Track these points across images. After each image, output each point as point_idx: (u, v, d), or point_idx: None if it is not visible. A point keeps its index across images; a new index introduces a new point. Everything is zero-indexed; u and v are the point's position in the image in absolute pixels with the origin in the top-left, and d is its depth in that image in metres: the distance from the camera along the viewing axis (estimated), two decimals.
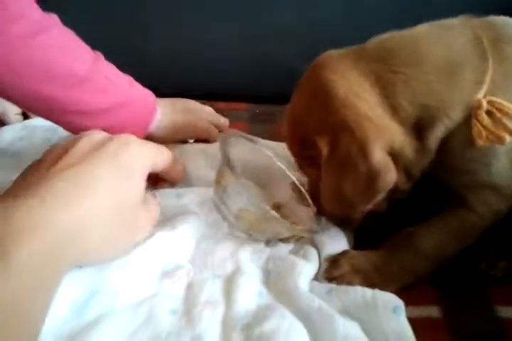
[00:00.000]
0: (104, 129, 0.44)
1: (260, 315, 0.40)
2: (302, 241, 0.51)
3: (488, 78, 0.42)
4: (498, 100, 0.41)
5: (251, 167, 0.56)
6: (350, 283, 0.44)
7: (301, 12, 0.82)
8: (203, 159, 0.58)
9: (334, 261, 0.46)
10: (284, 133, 0.51)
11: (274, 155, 0.56)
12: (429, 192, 0.49)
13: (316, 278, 0.47)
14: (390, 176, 0.42)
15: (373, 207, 0.46)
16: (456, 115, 0.42)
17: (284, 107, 0.82)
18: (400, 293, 0.42)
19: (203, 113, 0.70)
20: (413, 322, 0.40)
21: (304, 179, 0.55)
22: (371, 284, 0.43)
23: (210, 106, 0.83)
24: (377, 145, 0.41)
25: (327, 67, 0.45)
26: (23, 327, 0.28)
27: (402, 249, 0.46)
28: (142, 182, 0.40)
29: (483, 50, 0.43)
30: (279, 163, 0.55)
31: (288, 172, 0.55)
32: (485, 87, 0.42)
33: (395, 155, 0.43)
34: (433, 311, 0.44)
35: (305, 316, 0.41)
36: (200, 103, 0.75)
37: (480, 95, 0.42)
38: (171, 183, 0.53)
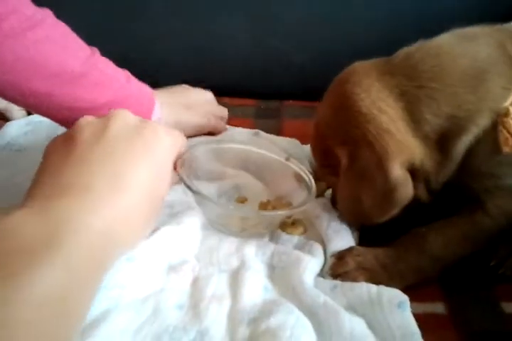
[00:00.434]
0: None
1: (266, 310, 0.41)
2: (307, 236, 0.51)
3: None
4: None
5: (251, 162, 0.56)
6: (354, 280, 0.45)
7: (310, 8, 0.82)
8: (211, 152, 0.57)
9: (340, 257, 0.47)
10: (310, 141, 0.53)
11: (273, 148, 0.57)
12: (442, 194, 0.48)
13: (320, 273, 0.47)
14: (407, 192, 0.43)
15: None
16: (484, 122, 0.43)
17: (291, 103, 0.83)
18: (404, 289, 0.42)
19: (205, 107, 0.67)
20: (418, 318, 0.40)
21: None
22: (376, 282, 0.43)
23: (217, 101, 0.83)
24: (396, 161, 0.42)
25: (352, 81, 0.46)
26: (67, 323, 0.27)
27: (412, 249, 0.46)
28: (171, 170, 0.40)
29: (509, 58, 0.43)
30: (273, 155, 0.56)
31: (287, 162, 0.55)
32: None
33: (415, 171, 0.43)
34: (438, 307, 0.44)
35: (311, 311, 0.41)
36: None
37: (507, 102, 0.42)
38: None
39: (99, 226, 0.30)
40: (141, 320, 0.40)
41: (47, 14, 0.51)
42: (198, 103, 0.67)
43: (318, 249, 0.48)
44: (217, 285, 0.44)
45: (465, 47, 0.45)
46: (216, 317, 0.41)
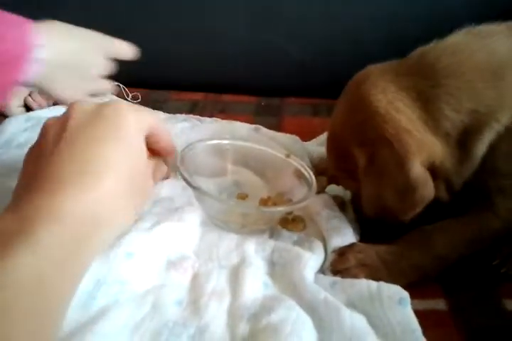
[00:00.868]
0: None
1: (267, 306, 0.40)
2: (307, 232, 0.51)
3: None
4: None
5: (252, 158, 0.56)
6: (355, 277, 0.44)
7: (311, 4, 0.82)
8: (211, 149, 0.57)
9: (341, 253, 0.46)
10: (327, 152, 0.53)
11: (273, 145, 0.57)
12: (461, 194, 0.48)
13: (321, 270, 0.47)
14: (428, 191, 0.43)
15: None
16: (505, 118, 0.43)
17: (291, 100, 0.83)
18: (405, 286, 0.42)
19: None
20: (419, 314, 0.40)
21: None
22: (376, 279, 0.43)
23: (216, 98, 0.83)
24: (417, 160, 0.42)
25: (367, 82, 0.46)
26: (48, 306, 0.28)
27: (416, 247, 0.46)
28: (143, 146, 0.39)
29: None
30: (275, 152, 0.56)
31: (287, 159, 0.55)
32: None
33: (435, 170, 0.43)
34: (439, 304, 0.44)
35: (311, 308, 0.40)
36: (205, 96, 0.74)
37: None
38: (162, 157, 0.45)
39: (78, 211, 0.31)
40: (140, 316, 0.40)
41: None
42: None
43: (318, 245, 0.48)
44: (217, 281, 0.44)
45: (481, 44, 0.45)
46: (216, 313, 0.41)
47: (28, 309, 0.26)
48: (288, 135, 0.66)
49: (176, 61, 0.86)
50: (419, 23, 0.79)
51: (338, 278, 0.44)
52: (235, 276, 0.44)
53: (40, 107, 0.75)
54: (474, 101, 0.43)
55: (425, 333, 0.38)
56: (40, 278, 0.28)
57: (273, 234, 0.51)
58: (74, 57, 0.51)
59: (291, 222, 0.52)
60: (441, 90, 0.44)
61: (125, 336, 0.38)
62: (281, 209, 0.49)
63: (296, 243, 0.49)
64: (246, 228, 0.50)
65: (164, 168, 0.44)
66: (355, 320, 0.39)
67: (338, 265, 0.46)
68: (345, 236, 0.49)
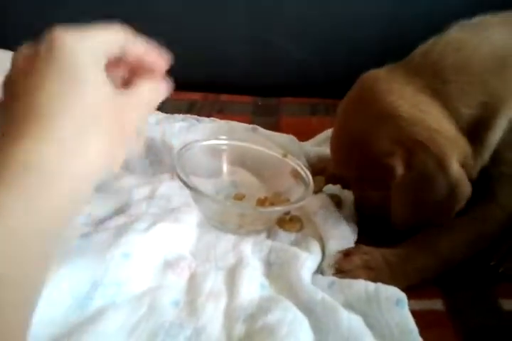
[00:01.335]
0: None
1: (263, 307, 0.40)
2: (304, 232, 0.51)
3: None
4: None
5: (249, 159, 0.56)
6: (357, 278, 0.44)
7: (310, 4, 0.82)
8: (208, 149, 0.57)
9: (347, 254, 0.46)
10: (335, 159, 0.51)
11: (270, 145, 0.56)
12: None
13: (318, 270, 0.46)
14: (467, 187, 0.43)
15: None
16: None
17: (289, 100, 0.83)
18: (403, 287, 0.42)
19: None
20: (416, 315, 0.40)
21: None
22: (378, 281, 0.43)
23: (214, 98, 0.83)
24: (454, 158, 0.42)
25: (381, 89, 0.46)
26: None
27: (421, 250, 0.46)
28: (100, 74, 0.31)
29: None
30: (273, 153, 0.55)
31: (284, 159, 0.55)
32: None
33: (464, 165, 0.43)
34: (436, 304, 0.44)
35: (308, 308, 0.40)
36: (204, 96, 0.72)
37: None
38: (151, 75, 0.37)
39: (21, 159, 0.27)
40: (137, 317, 0.40)
41: None
42: None
43: (315, 245, 0.48)
44: (214, 282, 0.44)
45: (481, 37, 0.46)
46: (213, 315, 0.40)
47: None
48: (285, 135, 0.66)
49: (174, 60, 0.86)
50: (418, 22, 0.78)
51: (335, 279, 0.44)
52: (232, 277, 0.44)
53: None
54: (484, 93, 0.44)
55: (422, 333, 0.38)
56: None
57: (270, 235, 0.51)
58: None
59: (288, 222, 0.52)
60: (453, 86, 0.44)
61: (122, 337, 0.38)
62: (279, 209, 0.49)
63: (294, 243, 0.49)
64: (243, 229, 0.50)
65: (161, 87, 0.37)
66: (353, 321, 0.38)
67: (344, 265, 0.45)
68: (343, 235, 0.49)
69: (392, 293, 0.41)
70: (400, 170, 0.43)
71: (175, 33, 0.85)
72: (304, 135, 0.70)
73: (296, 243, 0.49)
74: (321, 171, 0.59)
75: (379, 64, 0.50)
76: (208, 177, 0.56)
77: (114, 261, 0.44)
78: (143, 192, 0.54)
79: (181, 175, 0.47)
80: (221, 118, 0.73)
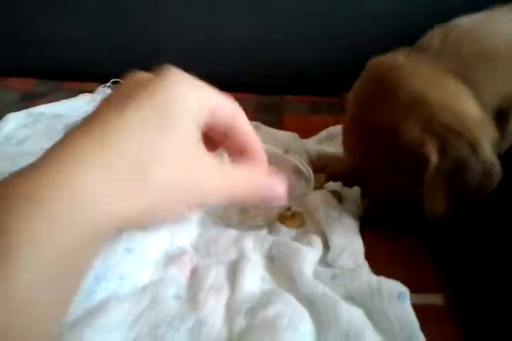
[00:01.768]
0: None
1: (264, 300, 0.41)
2: (306, 228, 0.51)
3: None
4: None
5: None
6: None
7: (313, 2, 0.82)
8: None
9: None
10: (354, 155, 0.50)
11: (272, 142, 0.57)
12: None
13: (320, 264, 0.47)
14: (500, 169, 0.43)
15: None
16: None
17: (291, 98, 0.83)
18: (403, 280, 0.42)
19: None
20: (415, 309, 0.40)
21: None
22: None
23: None
24: (486, 143, 0.42)
25: (403, 74, 0.44)
26: None
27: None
28: (193, 130, 0.28)
29: None
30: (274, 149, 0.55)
31: (285, 155, 0.55)
32: None
33: (494, 149, 0.43)
34: (436, 299, 0.44)
35: (309, 302, 0.41)
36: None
37: None
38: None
39: (94, 182, 0.24)
40: (139, 310, 0.40)
41: None
42: None
43: (316, 239, 0.48)
44: (216, 276, 0.44)
45: (496, 26, 0.46)
46: (214, 308, 0.41)
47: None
48: (287, 132, 0.66)
49: (176, 58, 0.87)
50: (420, 20, 0.79)
51: (338, 272, 0.45)
52: (233, 271, 0.45)
53: None
54: (506, 82, 0.44)
55: (422, 327, 0.38)
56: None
57: (272, 231, 0.51)
58: None
59: (290, 218, 0.52)
60: (478, 72, 0.44)
61: (124, 329, 0.39)
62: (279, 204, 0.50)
63: (295, 238, 0.50)
64: (244, 224, 0.51)
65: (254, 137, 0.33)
66: (353, 314, 0.39)
67: None
68: (346, 229, 0.49)
69: (395, 287, 0.41)
70: (434, 158, 0.42)
71: (176, 31, 0.85)
72: (305, 133, 0.70)
73: (297, 238, 0.49)
74: (322, 169, 0.59)
75: None
76: None
77: (117, 256, 0.44)
78: None
79: None
80: None
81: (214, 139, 0.33)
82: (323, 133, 0.69)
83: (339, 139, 0.65)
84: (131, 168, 0.25)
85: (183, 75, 0.29)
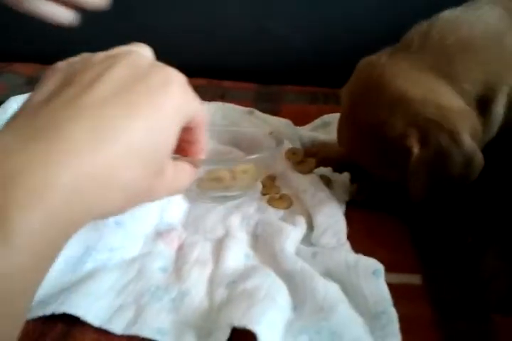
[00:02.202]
0: None
1: (245, 274, 0.42)
2: (293, 209, 0.53)
3: None
4: None
5: (241, 139, 0.58)
6: None
7: None
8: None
9: None
10: (348, 148, 0.53)
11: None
12: None
13: (304, 243, 0.48)
14: (480, 157, 0.45)
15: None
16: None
17: (289, 88, 0.84)
18: (385, 260, 0.44)
19: None
20: (393, 287, 0.41)
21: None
22: None
23: (217, 84, 0.85)
24: (465, 132, 0.44)
25: (386, 75, 0.47)
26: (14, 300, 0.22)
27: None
28: (177, 132, 0.30)
29: None
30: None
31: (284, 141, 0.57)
32: None
33: (475, 138, 0.45)
34: (414, 279, 0.45)
35: (288, 276, 0.42)
36: (207, 82, 0.74)
37: None
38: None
39: (64, 182, 0.24)
40: (126, 280, 0.42)
41: None
42: None
43: (301, 219, 0.49)
44: (201, 251, 0.46)
45: (475, 16, 0.48)
46: (198, 279, 0.43)
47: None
48: (281, 119, 0.68)
49: (173, 48, 0.88)
50: (418, 11, 0.79)
51: (318, 249, 0.46)
52: (219, 248, 0.46)
53: None
54: (484, 71, 0.45)
55: (396, 305, 0.40)
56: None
57: (259, 211, 0.52)
58: None
59: (277, 200, 0.53)
60: (457, 65, 0.46)
61: (110, 297, 0.41)
62: (238, 160, 0.53)
63: (282, 219, 0.51)
64: (221, 197, 0.52)
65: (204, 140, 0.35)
66: (329, 289, 0.40)
67: None
68: (331, 211, 0.50)
69: (371, 264, 0.43)
70: (416, 149, 0.45)
71: (176, 21, 0.87)
72: (302, 122, 0.71)
73: (284, 219, 0.51)
74: (313, 154, 0.60)
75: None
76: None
77: (108, 229, 0.46)
78: None
79: None
80: (224, 103, 0.74)
81: None
82: (317, 121, 0.70)
83: (332, 127, 0.67)
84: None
85: (175, 73, 0.31)
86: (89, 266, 0.43)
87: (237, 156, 0.56)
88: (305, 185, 0.54)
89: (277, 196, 0.54)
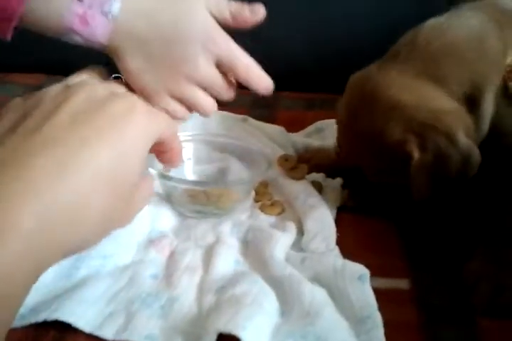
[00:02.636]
0: None
1: (234, 280, 0.43)
2: (284, 216, 0.53)
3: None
4: None
5: (235, 147, 0.59)
6: None
7: (311, 1, 0.84)
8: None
9: None
10: (349, 157, 0.54)
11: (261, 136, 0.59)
12: None
13: (294, 249, 0.49)
14: (477, 154, 0.46)
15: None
16: (497, 80, 0.47)
17: (286, 94, 0.85)
18: (374, 265, 0.44)
19: None
20: (381, 292, 0.42)
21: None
22: None
23: None
24: (460, 132, 0.46)
25: (379, 86, 0.49)
26: None
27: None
28: (144, 157, 0.30)
29: (496, 21, 0.49)
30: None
31: (276, 147, 0.58)
32: (510, 52, 0.47)
33: (469, 135, 0.47)
34: (402, 283, 0.46)
35: (277, 282, 0.43)
36: None
37: (509, 60, 0.47)
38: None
39: (27, 227, 0.23)
40: (118, 287, 0.43)
41: None
42: None
43: (291, 225, 0.50)
44: (192, 258, 0.47)
45: (458, 22, 0.50)
46: (188, 286, 0.43)
47: None
48: (275, 126, 0.68)
49: None
50: (415, 17, 0.80)
51: (307, 255, 0.47)
52: (209, 254, 0.47)
53: None
54: (470, 72, 0.47)
55: (383, 309, 0.40)
56: None
57: (251, 217, 0.53)
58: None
59: (269, 207, 0.54)
60: (445, 68, 0.47)
61: (102, 303, 0.41)
62: (214, 187, 0.54)
63: (273, 225, 0.52)
64: (200, 213, 0.53)
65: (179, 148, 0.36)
66: (316, 294, 0.41)
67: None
68: (322, 217, 0.51)
69: (357, 269, 0.43)
70: (416, 154, 0.46)
71: None
72: (298, 128, 0.72)
73: (275, 225, 0.52)
74: (307, 160, 0.61)
75: (375, 60, 0.52)
76: (196, 163, 0.59)
77: None
78: None
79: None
80: (218, 110, 0.75)
81: None
82: (311, 127, 0.71)
83: (326, 132, 0.68)
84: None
85: (136, 99, 0.31)
86: (82, 272, 0.44)
87: (216, 179, 0.59)
88: (297, 191, 0.55)
89: (269, 202, 0.55)
